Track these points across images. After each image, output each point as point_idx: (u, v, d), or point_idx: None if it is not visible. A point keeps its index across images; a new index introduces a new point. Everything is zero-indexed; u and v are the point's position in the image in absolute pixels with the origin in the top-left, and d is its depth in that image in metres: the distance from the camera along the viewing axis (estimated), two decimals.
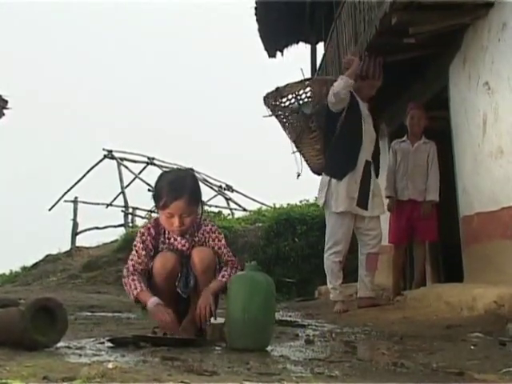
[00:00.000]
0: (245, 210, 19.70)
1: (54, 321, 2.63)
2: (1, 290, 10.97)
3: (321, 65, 11.17)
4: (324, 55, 10.86)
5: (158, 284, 3.29)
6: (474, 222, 6.14)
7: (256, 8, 12.15)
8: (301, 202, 14.97)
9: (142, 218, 18.46)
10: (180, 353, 2.56)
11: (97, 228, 18.54)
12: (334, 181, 5.90)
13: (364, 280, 6.02)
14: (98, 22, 65.44)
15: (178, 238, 3.37)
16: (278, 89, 6.08)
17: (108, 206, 19.66)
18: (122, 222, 18.72)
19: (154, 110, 54.07)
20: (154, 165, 20.61)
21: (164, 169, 19.16)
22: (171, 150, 41.73)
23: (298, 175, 6.41)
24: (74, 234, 18.02)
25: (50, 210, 19.39)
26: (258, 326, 2.86)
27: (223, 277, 3.27)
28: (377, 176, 6.17)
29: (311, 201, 14.36)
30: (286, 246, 12.06)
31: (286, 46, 13.78)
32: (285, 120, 6.20)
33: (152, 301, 3.14)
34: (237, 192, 21.82)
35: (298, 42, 13.80)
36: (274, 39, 13.28)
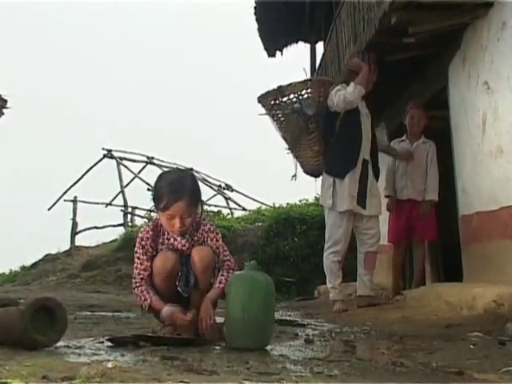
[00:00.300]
0: (244, 209, 19.70)
1: (53, 320, 2.63)
2: (0, 290, 10.97)
3: (320, 64, 11.17)
4: (323, 55, 10.86)
5: (158, 283, 3.29)
6: (474, 221, 6.14)
7: (255, 8, 12.15)
8: (300, 201, 14.98)
9: (142, 217, 18.46)
10: (179, 352, 2.56)
11: (96, 227, 18.53)
12: (337, 180, 5.90)
13: (363, 279, 6.02)
14: (98, 22, 65.54)
15: (178, 238, 3.37)
16: (280, 87, 6.03)
17: (107, 205, 19.65)
18: (122, 221, 18.72)
19: (154, 109, 54.14)
20: (154, 164, 20.61)
21: (163, 168, 19.17)
22: (171, 149, 41.79)
23: (294, 176, 6.39)
24: (74, 233, 18.01)
25: (49, 209, 19.39)
26: (257, 326, 2.86)
27: (220, 282, 3.27)
28: (377, 178, 6.16)
29: (311, 200, 14.37)
30: (285, 246, 12.06)
31: (286, 45, 13.78)
32: (283, 119, 6.15)
33: (166, 309, 3.17)
34: (236, 191, 21.84)
35: (297, 42, 13.81)
36: (274, 39, 13.28)
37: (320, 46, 12.83)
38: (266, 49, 13.69)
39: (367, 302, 5.92)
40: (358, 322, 4.71)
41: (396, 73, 7.14)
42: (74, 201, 18.87)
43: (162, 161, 20.59)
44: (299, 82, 6.11)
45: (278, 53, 13.87)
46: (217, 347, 2.95)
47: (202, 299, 3.22)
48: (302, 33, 13.19)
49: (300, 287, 11.24)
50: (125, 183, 19.80)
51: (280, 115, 6.14)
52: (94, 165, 19.87)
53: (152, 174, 18.43)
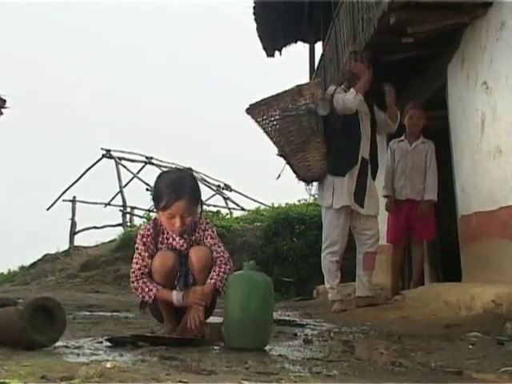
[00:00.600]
0: (243, 209, 19.70)
1: (52, 320, 2.63)
2: None
3: (319, 64, 11.17)
4: (322, 55, 10.86)
5: (157, 282, 3.29)
6: (473, 221, 6.14)
7: (254, 8, 12.15)
8: (299, 201, 14.96)
9: (141, 217, 18.47)
10: (178, 352, 2.56)
11: (95, 227, 18.51)
12: (336, 179, 5.89)
13: (362, 279, 6.02)
14: (98, 22, 65.56)
15: (177, 238, 3.37)
16: (299, 87, 5.91)
17: (106, 205, 19.65)
18: (121, 221, 18.71)
19: (154, 109, 54.24)
20: (153, 164, 20.62)
21: (162, 168, 19.19)
22: (170, 149, 41.78)
23: (278, 177, 6.30)
24: (73, 233, 17.99)
25: (48, 209, 19.39)
26: (256, 326, 2.86)
27: (211, 278, 3.22)
28: (374, 177, 6.15)
29: (310, 200, 14.36)
30: (284, 246, 12.05)
31: (285, 45, 13.79)
32: (289, 121, 5.87)
33: (175, 294, 3.19)
34: (235, 191, 21.83)
35: (296, 42, 13.81)
36: (273, 39, 13.28)
37: (319, 46, 12.85)
38: (264, 49, 13.69)
39: (366, 303, 5.91)
40: (356, 322, 4.72)
41: (395, 73, 7.13)
42: (73, 201, 18.85)
43: (161, 161, 20.60)
44: (315, 82, 6.05)
45: (276, 53, 13.88)
46: (215, 347, 2.95)
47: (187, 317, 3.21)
48: (301, 33, 13.20)
49: (299, 287, 11.23)
50: (124, 183, 19.80)
51: (291, 117, 5.89)
52: (93, 165, 19.88)
53: (151, 174, 18.48)
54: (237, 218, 16.16)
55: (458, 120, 6.52)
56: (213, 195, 21.24)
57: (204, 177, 21.10)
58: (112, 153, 19.96)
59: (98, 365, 1.89)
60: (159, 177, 3.44)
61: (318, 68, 11.37)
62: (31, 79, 60.03)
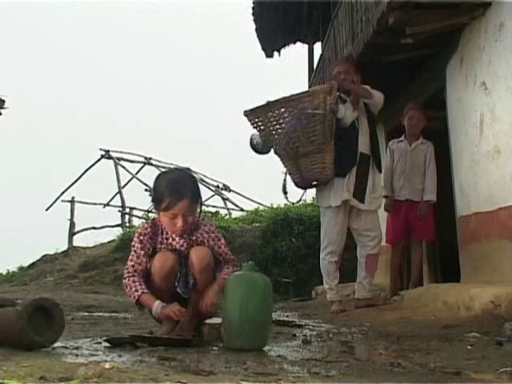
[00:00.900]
0: (242, 209, 19.69)
1: (50, 321, 2.63)
2: None
3: (318, 65, 11.17)
4: (321, 55, 10.86)
5: (156, 283, 3.29)
6: (472, 222, 6.14)
7: (253, 8, 12.15)
8: (298, 202, 14.94)
9: (139, 217, 18.48)
10: (177, 353, 2.57)
11: (94, 228, 18.51)
12: (336, 179, 5.86)
13: (362, 282, 5.99)
14: (98, 22, 65.54)
15: (177, 238, 3.37)
16: (339, 90, 5.79)
17: (105, 206, 19.65)
18: (119, 222, 18.71)
19: (154, 109, 54.29)
20: (151, 165, 20.62)
21: (161, 169, 19.18)
22: (170, 149, 41.82)
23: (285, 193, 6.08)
24: (71, 233, 18.01)
25: (47, 209, 19.40)
26: (255, 326, 2.86)
27: (227, 274, 3.28)
28: (380, 169, 6.09)
29: (308, 201, 14.35)
30: (283, 246, 12.04)
31: (284, 46, 13.78)
32: (316, 119, 5.57)
33: (156, 305, 3.17)
34: (234, 192, 21.84)
35: (295, 42, 13.81)
36: (272, 39, 13.28)
37: (318, 47, 12.85)
38: (263, 49, 13.69)
39: (365, 303, 5.91)
40: (355, 323, 4.72)
41: (394, 73, 7.14)
42: (72, 201, 18.87)
43: (160, 161, 20.61)
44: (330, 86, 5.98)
45: (275, 53, 13.88)
46: (214, 348, 2.95)
47: (200, 300, 3.22)
48: (300, 33, 13.20)
49: (298, 288, 11.22)
50: (122, 184, 19.81)
51: (317, 115, 5.61)
52: (92, 165, 19.88)
53: (150, 175, 18.48)
54: (235, 218, 16.16)
55: (456, 121, 6.52)
56: (212, 196, 21.26)
57: (203, 177, 21.11)
58: (111, 153, 19.97)
59: (96, 365, 1.88)
60: (158, 178, 3.43)
61: (316, 68, 11.37)
62: (31, 79, 60.14)
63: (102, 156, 19.91)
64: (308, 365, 2.40)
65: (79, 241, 17.33)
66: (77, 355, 2.46)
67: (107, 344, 2.87)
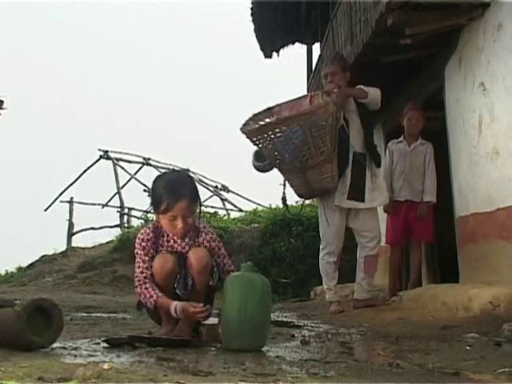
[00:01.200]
0: (240, 210, 19.69)
1: (49, 321, 2.63)
2: None
3: (317, 65, 11.17)
4: (320, 56, 10.87)
5: (156, 284, 3.28)
6: (470, 222, 6.15)
7: (252, 8, 12.15)
8: (297, 202, 14.91)
9: (138, 218, 18.48)
10: (175, 353, 2.56)
11: (92, 228, 18.50)
12: None
13: (361, 283, 5.97)
14: (98, 22, 65.55)
15: (178, 241, 3.37)
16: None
17: (104, 206, 19.64)
18: (118, 222, 18.70)
19: (154, 110, 54.31)
20: (150, 165, 20.62)
21: (160, 169, 19.20)
22: (170, 149, 41.82)
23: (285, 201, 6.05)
24: (70, 234, 18.00)
25: (45, 210, 19.40)
26: (253, 327, 2.86)
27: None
28: (378, 165, 6.04)
29: (307, 201, 14.33)
30: (281, 247, 12.04)
31: (282, 46, 13.78)
32: (327, 130, 5.40)
33: (174, 305, 3.14)
34: (232, 192, 21.84)
35: (293, 43, 13.81)
36: (270, 40, 13.28)
37: (316, 47, 12.85)
38: (262, 49, 13.69)
39: (364, 304, 5.90)
40: (354, 323, 4.72)
41: (393, 74, 7.14)
42: (71, 202, 18.87)
43: (159, 162, 20.61)
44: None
45: (274, 54, 13.88)
46: (213, 348, 2.95)
47: (198, 301, 3.20)
48: (299, 34, 13.20)
49: (296, 288, 11.22)
50: (121, 184, 19.80)
51: (328, 126, 5.66)
52: (91, 166, 19.87)
53: (148, 175, 18.48)
54: (234, 219, 16.16)
55: (455, 121, 6.52)
56: (210, 196, 21.25)
57: (201, 178, 21.11)
58: (109, 154, 19.96)
59: (95, 366, 1.88)
60: (156, 180, 3.42)
61: (315, 69, 11.37)
62: (31, 79, 60.16)
63: (101, 156, 19.91)
64: (306, 365, 2.40)
65: (78, 241, 17.35)
66: (75, 356, 2.45)
67: (106, 344, 2.87)
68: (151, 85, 62.53)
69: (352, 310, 5.90)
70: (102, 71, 63.32)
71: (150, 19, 65.77)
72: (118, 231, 16.38)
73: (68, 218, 18.55)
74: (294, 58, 14.14)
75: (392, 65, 6.98)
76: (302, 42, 13.57)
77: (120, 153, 20.22)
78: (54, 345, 2.66)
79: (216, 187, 21.70)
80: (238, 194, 21.72)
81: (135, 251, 3.39)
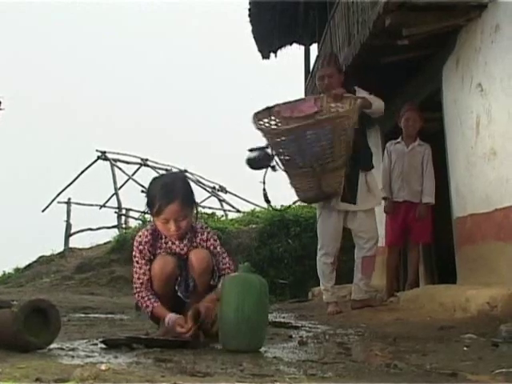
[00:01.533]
0: (238, 211, 19.69)
1: (46, 322, 2.62)
2: None
3: (314, 66, 11.17)
4: (317, 57, 10.86)
5: (156, 287, 3.28)
6: (468, 223, 6.15)
7: (249, 9, 12.15)
8: (294, 203, 14.92)
9: (136, 219, 18.46)
10: (173, 354, 2.56)
11: (90, 229, 18.48)
12: None
13: (358, 283, 5.96)
14: (98, 22, 65.52)
15: (177, 242, 3.36)
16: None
17: (101, 207, 19.62)
18: (116, 223, 18.69)
19: (154, 110, 54.31)
20: (148, 166, 20.61)
21: (157, 170, 19.22)
22: (170, 149, 41.84)
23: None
24: (68, 235, 17.99)
25: (43, 211, 19.39)
26: (251, 327, 2.86)
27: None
28: (367, 168, 5.98)
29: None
30: (279, 248, 12.04)
31: (280, 47, 13.78)
32: (349, 133, 5.40)
33: (169, 317, 3.15)
34: (230, 193, 21.85)
35: (291, 44, 13.81)
36: (268, 41, 13.27)
37: (314, 48, 12.85)
38: (259, 50, 13.68)
39: (361, 305, 5.90)
40: (351, 324, 4.72)
41: (390, 74, 7.15)
42: (68, 202, 18.86)
43: (156, 162, 20.61)
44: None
45: (272, 55, 13.87)
46: (210, 349, 2.94)
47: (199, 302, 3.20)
48: (296, 34, 13.20)
49: (294, 289, 11.22)
50: (119, 185, 19.79)
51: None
52: (88, 166, 19.86)
53: (146, 176, 18.46)
54: (232, 219, 16.16)
55: (452, 122, 6.53)
56: (208, 197, 21.25)
57: (199, 178, 21.12)
58: (107, 154, 19.95)
59: (92, 367, 1.88)
60: (151, 183, 3.41)
61: (313, 70, 11.37)
62: (31, 79, 60.15)
63: (99, 157, 19.90)
64: (304, 366, 2.40)
65: (75, 242, 17.34)
66: (73, 356, 2.45)
67: (103, 345, 2.86)
68: (151, 85, 62.57)
69: (350, 310, 5.90)
70: (101, 71, 63.34)
71: (150, 19, 65.82)
72: (115, 232, 16.37)
73: (66, 218, 18.54)
74: (294, 59, 14.13)
75: (389, 65, 6.99)
76: (299, 42, 13.57)
77: (118, 153, 20.22)
78: (52, 346, 2.65)
79: (214, 188, 21.70)
80: (235, 195, 21.74)
81: (133, 254, 3.39)
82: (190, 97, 63.80)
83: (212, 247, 3.41)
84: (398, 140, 6.83)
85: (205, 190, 21.20)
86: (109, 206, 19.59)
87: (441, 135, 6.85)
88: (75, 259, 14.03)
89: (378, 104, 5.78)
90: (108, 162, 20.05)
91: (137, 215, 18.56)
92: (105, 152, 19.87)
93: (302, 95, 11.51)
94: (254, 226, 13.60)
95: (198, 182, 20.59)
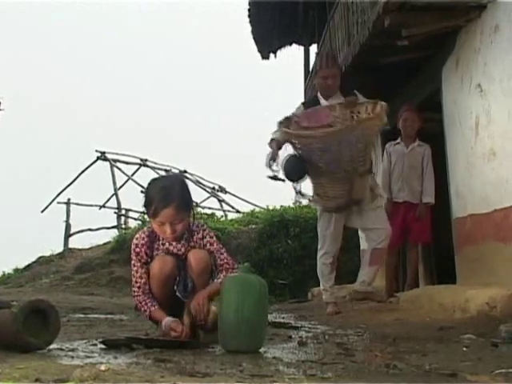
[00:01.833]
0: (238, 211, 19.70)
1: (46, 323, 2.63)
2: None
3: (314, 66, 11.16)
4: (317, 55, 10.85)
5: (155, 287, 3.28)
6: (467, 223, 6.15)
7: (249, 10, 12.15)
8: (294, 203, 14.96)
9: (135, 219, 18.47)
10: (173, 355, 2.56)
11: (90, 230, 18.49)
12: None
13: (364, 276, 5.88)
14: (98, 22, 65.49)
15: (174, 243, 3.36)
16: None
17: (101, 207, 19.63)
18: (115, 223, 18.69)
19: (154, 110, 54.26)
20: (147, 166, 20.61)
21: (157, 170, 19.23)
22: (170, 149, 41.84)
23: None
24: (67, 235, 17.98)
25: (42, 211, 19.40)
26: (250, 328, 2.86)
27: (219, 278, 3.27)
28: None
29: (304, 203, 14.34)
30: (279, 248, 12.04)
31: (280, 47, 13.77)
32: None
33: (165, 321, 3.16)
34: (230, 194, 21.84)
35: (291, 44, 13.81)
36: (267, 41, 13.27)
37: (314, 49, 12.85)
38: (259, 51, 13.68)
39: (362, 296, 5.82)
40: (351, 325, 4.72)
41: (390, 75, 7.15)
42: (68, 203, 18.86)
43: (156, 163, 20.61)
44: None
45: (271, 55, 13.87)
46: (210, 350, 2.94)
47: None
48: (296, 35, 13.20)
49: (294, 289, 11.22)
50: (118, 185, 19.79)
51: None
52: (88, 167, 19.87)
53: (146, 176, 18.46)
54: (231, 220, 16.16)
55: (452, 122, 6.53)
56: (207, 197, 21.26)
57: (199, 179, 21.12)
58: (106, 155, 19.95)
59: (92, 367, 1.88)
60: (149, 184, 3.41)
61: (312, 71, 11.37)
62: (31, 79, 60.17)
63: (98, 158, 19.91)
64: (304, 366, 2.40)
65: (75, 242, 17.33)
66: (72, 357, 2.45)
67: (103, 346, 2.86)
68: (151, 85, 62.49)
69: (349, 311, 5.91)
70: (101, 71, 63.27)
71: (150, 19, 65.70)
72: (115, 232, 16.38)
73: (65, 219, 18.54)
74: (294, 59, 14.12)
75: (389, 66, 6.99)
76: (299, 43, 13.57)
77: (117, 154, 20.22)
78: (51, 346, 2.65)
79: (213, 188, 21.70)
80: (235, 195, 21.74)
81: (131, 256, 3.40)
82: (190, 97, 63.84)
83: (209, 244, 3.40)
84: (398, 141, 6.83)
85: (204, 190, 21.21)
86: (108, 207, 19.60)
87: (440, 136, 6.85)
88: (75, 259, 14.02)
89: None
90: (107, 163, 20.05)
91: (136, 216, 18.59)
92: (104, 152, 19.87)
93: (302, 96, 11.52)
94: (253, 226, 13.60)
95: (197, 183, 20.60)
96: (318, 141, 5.27)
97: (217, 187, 21.76)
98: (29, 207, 27.37)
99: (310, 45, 13.19)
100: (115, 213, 19.04)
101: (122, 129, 44.05)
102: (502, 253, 5.39)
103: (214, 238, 3.46)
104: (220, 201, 21.49)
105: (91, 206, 19.48)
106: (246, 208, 19.16)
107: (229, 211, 20.55)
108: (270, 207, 15.40)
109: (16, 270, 14.92)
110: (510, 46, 5.35)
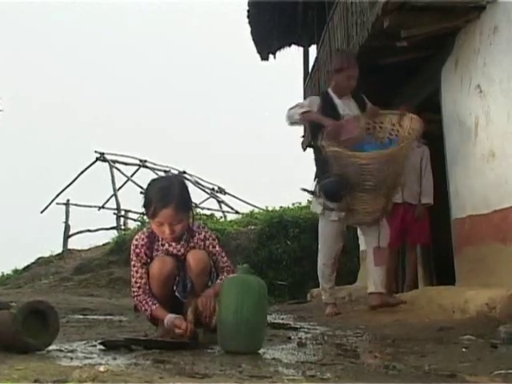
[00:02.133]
0: (237, 212, 19.71)
1: (45, 324, 2.62)
2: None
3: (313, 68, 11.17)
4: (316, 58, 10.87)
5: (155, 288, 3.28)
6: (466, 224, 6.15)
7: (248, 11, 12.15)
8: (293, 204, 14.98)
9: (134, 220, 18.49)
10: (172, 355, 2.56)
11: (89, 231, 18.51)
12: None
13: (374, 276, 5.83)
14: (98, 22, 65.49)
15: (173, 243, 3.36)
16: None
17: (100, 208, 19.64)
18: (114, 224, 18.70)
19: (154, 110, 54.28)
20: (146, 167, 20.62)
21: (156, 171, 19.22)
22: (170, 150, 41.86)
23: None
24: (66, 236, 17.98)
25: (42, 212, 19.41)
26: (250, 329, 2.85)
27: (222, 280, 3.26)
28: None
29: (304, 203, 14.35)
30: (278, 249, 12.05)
31: (279, 48, 13.77)
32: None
33: (168, 317, 3.16)
34: (229, 195, 21.85)
35: (290, 45, 13.81)
36: (267, 42, 13.27)
37: (313, 50, 12.86)
38: (258, 52, 13.68)
39: (380, 302, 5.64)
40: (350, 326, 4.71)
41: (389, 76, 7.15)
42: (67, 204, 18.85)
43: (155, 164, 20.61)
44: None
45: (271, 56, 13.87)
46: (209, 350, 2.94)
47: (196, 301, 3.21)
48: (295, 35, 13.20)
49: (293, 290, 11.23)
50: (117, 186, 19.79)
51: None
52: (87, 168, 19.88)
53: (145, 177, 18.48)
54: (231, 221, 16.18)
55: (451, 123, 6.53)
56: (207, 198, 21.27)
57: (198, 180, 21.12)
58: (106, 156, 19.96)
59: (91, 368, 1.88)
60: (148, 185, 3.41)
61: (311, 71, 11.37)
62: (31, 79, 60.18)
63: (97, 158, 19.91)
64: (303, 367, 2.40)
65: (74, 243, 17.36)
66: (71, 358, 2.45)
67: (102, 347, 2.86)
68: (151, 85, 62.48)
69: (348, 312, 5.90)
70: (102, 71, 63.26)
71: (150, 19, 65.70)
72: (114, 233, 16.40)
73: (64, 220, 18.54)
74: (293, 60, 14.13)
75: (388, 67, 6.99)
76: (298, 44, 13.56)
77: (116, 155, 20.23)
78: (50, 347, 2.65)
79: (212, 189, 21.71)
80: (234, 196, 21.75)
81: (130, 257, 3.40)
82: (190, 97, 63.82)
83: (211, 246, 3.40)
84: None
85: (204, 191, 21.22)
86: (108, 208, 19.62)
87: (440, 136, 6.85)
88: (74, 260, 14.04)
89: None
90: (107, 164, 20.05)
91: (136, 216, 18.61)
92: (103, 153, 19.88)
93: (301, 96, 11.52)
94: (252, 227, 13.61)
95: (196, 184, 20.60)
96: (375, 161, 5.22)
97: (216, 188, 21.77)
98: (28, 208, 27.42)
99: (309, 46, 13.18)
100: (114, 214, 19.05)
101: (121, 129, 44.10)
102: (502, 253, 5.39)
103: (216, 241, 3.47)
104: (219, 202, 21.50)
105: (90, 206, 19.49)
106: (246, 209, 19.22)
107: (228, 212, 20.57)
108: (270, 208, 15.43)
109: (15, 271, 14.95)
110: (509, 47, 5.36)
